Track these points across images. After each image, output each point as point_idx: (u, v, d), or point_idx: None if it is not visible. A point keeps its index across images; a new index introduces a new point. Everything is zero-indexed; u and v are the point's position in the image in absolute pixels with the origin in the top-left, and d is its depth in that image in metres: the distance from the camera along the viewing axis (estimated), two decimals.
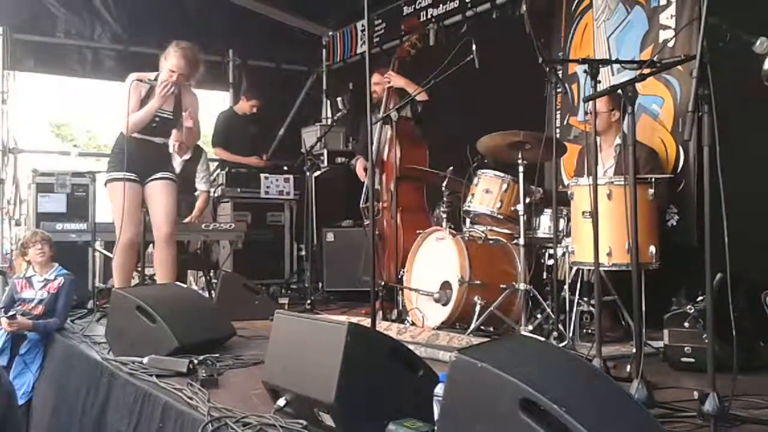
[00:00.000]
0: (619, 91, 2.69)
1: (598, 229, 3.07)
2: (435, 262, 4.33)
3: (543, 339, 3.39)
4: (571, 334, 3.67)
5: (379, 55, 6.80)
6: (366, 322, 3.77)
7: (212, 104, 7.65)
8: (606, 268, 3.51)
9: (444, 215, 4.55)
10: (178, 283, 4.55)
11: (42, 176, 6.12)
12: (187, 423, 2.59)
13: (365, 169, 5.63)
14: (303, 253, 6.86)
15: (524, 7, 4.74)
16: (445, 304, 4.14)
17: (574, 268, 3.85)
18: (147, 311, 3.53)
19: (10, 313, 4.38)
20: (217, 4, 7.68)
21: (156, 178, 4.61)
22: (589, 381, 1.92)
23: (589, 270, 3.71)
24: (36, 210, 6.00)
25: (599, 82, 3.11)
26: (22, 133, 7.25)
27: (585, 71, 3.14)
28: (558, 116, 5.40)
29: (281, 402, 2.41)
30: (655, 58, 3.55)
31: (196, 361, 3.19)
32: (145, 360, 3.27)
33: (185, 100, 4.61)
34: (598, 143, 4.21)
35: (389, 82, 5.28)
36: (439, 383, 2.00)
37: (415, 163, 4.99)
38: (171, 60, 4.48)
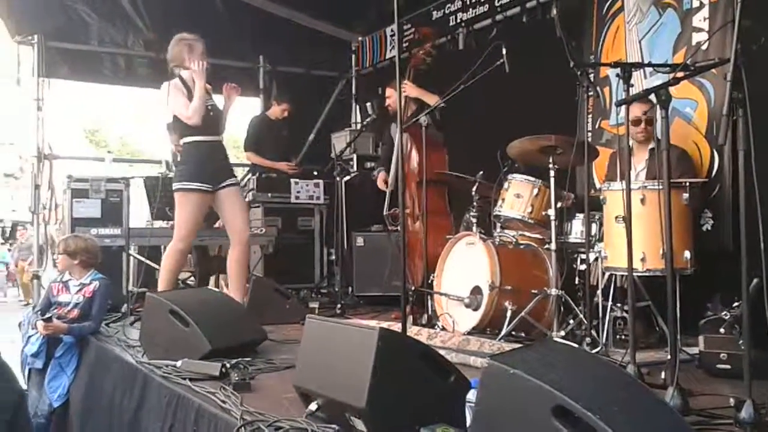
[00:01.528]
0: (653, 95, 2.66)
1: (632, 234, 3.03)
2: (465, 267, 4.32)
3: (576, 345, 3.35)
4: (604, 340, 3.63)
5: (408, 59, 6.81)
6: (396, 326, 3.77)
7: (243, 110, 7.71)
8: (640, 274, 3.47)
9: (474, 220, 4.54)
10: (210, 287, 4.59)
11: (77, 182, 6.21)
12: (220, 426, 2.62)
13: (386, 182, 5.66)
14: (333, 257, 6.89)
15: (555, 11, 4.72)
16: (475, 309, 4.12)
17: (607, 274, 3.81)
18: (180, 315, 3.58)
19: (46, 316, 4.45)
20: (248, 11, 7.74)
21: (228, 185, 4.84)
22: (623, 388, 1.90)
23: (623, 275, 3.68)
24: (71, 215, 6.09)
25: (632, 85, 3.08)
26: (56, 140, 7.37)
27: (618, 75, 3.11)
28: (589, 120, 5.36)
29: (313, 406, 2.42)
30: (688, 61, 3.51)
31: (228, 365, 3.23)
32: (179, 363, 3.31)
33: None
34: (631, 147, 4.16)
35: (404, 91, 5.28)
36: (471, 389, 2.00)
37: (433, 169, 4.99)
38: (200, 47, 4.82)
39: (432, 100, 5.07)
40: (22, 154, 29.64)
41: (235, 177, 4.98)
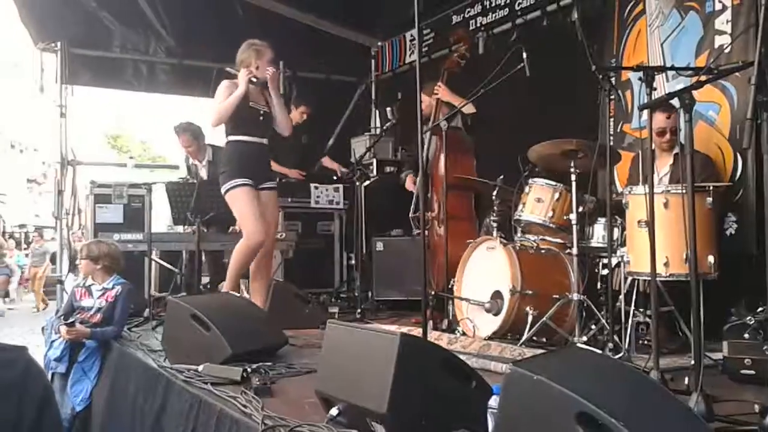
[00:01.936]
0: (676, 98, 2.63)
1: (655, 238, 3.00)
2: (486, 272, 4.30)
3: (599, 351, 3.33)
4: (626, 346, 3.60)
5: (428, 64, 6.81)
6: (416, 331, 3.77)
7: None
8: (663, 278, 3.44)
9: (494, 224, 4.52)
10: (231, 291, 4.60)
11: (100, 187, 6.28)
12: (241, 431, 2.62)
13: (415, 183, 5.64)
14: (353, 262, 6.89)
15: (576, 15, 4.69)
16: (496, 314, 4.10)
17: (630, 278, 3.78)
18: (202, 320, 3.59)
19: (69, 321, 4.50)
20: (268, 17, 7.78)
21: (267, 187, 4.83)
22: (648, 394, 1.88)
23: (645, 280, 3.64)
24: (94, 220, 6.15)
25: (655, 89, 3.06)
26: (78, 145, 7.45)
27: (640, 78, 3.08)
28: (611, 123, 5.33)
29: (334, 411, 2.42)
30: (711, 65, 3.48)
31: (249, 370, 3.24)
32: (200, 368, 3.32)
33: (266, 95, 4.87)
34: (654, 150, 4.13)
35: (437, 95, 5.27)
36: (493, 395, 1.99)
37: (462, 173, 4.97)
38: (269, 54, 4.79)
39: (465, 106, 5.05)
40: (45, 160, 30.05)
41: (274, 181, 4.95)
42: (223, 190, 4.73)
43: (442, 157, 4.85)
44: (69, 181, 6.80)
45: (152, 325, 5.08)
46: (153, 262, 5.87)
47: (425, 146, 5.08)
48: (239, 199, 4.66)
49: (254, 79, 4.70)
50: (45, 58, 7.46)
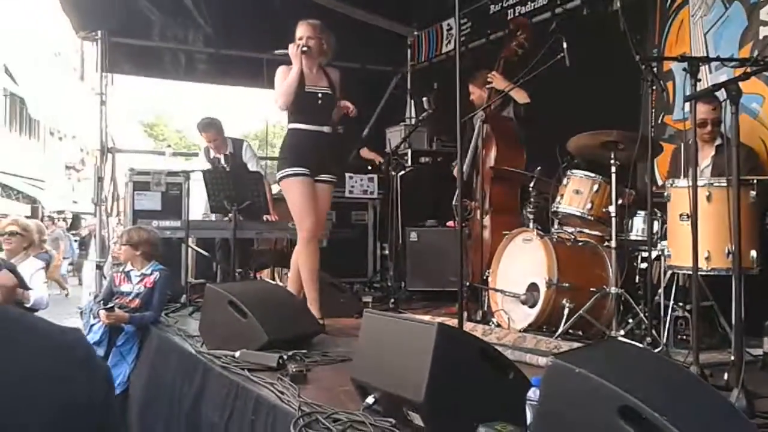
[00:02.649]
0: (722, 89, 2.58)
1: (697, 232, 2.95)
2: (522, 264, 4.27)
3: (640, 345, 3.29)
4: (665, 340, 3.55)
5: (464, 54, 6.76)
6: (450, 322, 3.76)
7: None
8: (704, 273, 3.38)
9: (531, 216, 4.49)
10: (266, 279, 4.64)
11: (138, 175, 6.36)
12: (279, 417, 2.65)
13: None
14: (386, 252, 6.89)
15: (618, 3, 4.62)
16: (532, 306, 4.08)
17: (669, 272, 3.73)
18: (239, 306, 3.63)
19: (109, 306, 4.58)
20: (303, 6, 7.74)
21: (323, 180, 4.62)
22: (690, 389, 1.85)
23: (685, 274, 3.59)
24: (133, 207, 6.24)
25: (699, 80, 3.00)
26: (116, 133, 7.54)
27: (685, 69, 3.02)
28: (652, 115, 5.24)
29: (370, 400, 2.43)
30: (756, 56, 3.40)
31: (285, 357, 3.27)
32: (237, 354, 3.36)
33: (332, 77, 4.66)
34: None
35: (491, 83, 5.18)
36: (532, 387, 1.97)
37: (511, 165, 4.92)
38: (297, 33, 4.59)
39: (519, 94, 4.99)
40: (83, 147, 30.55)
41: (334, 175, 4.71)
42: (277, 177, 4.68)
43: (493, 147, 4.81)
44: (108, 169, 6.89)
45: (189, 310, 5.15)
46: (189, 249, 5.93)
47: (475, 135, 5.04)
48: (290, 189, 4.57)
49: (305, 48, 4.48)
50: (86, 47, 7.57)
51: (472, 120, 5.82)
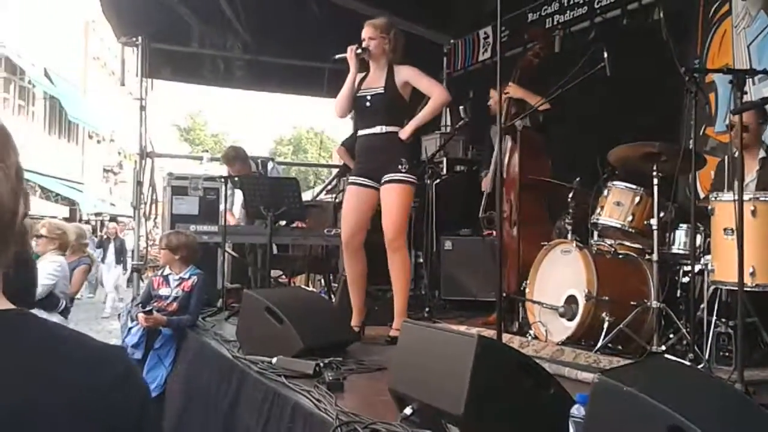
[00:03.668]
0: None
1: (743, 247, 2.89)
2: (560, 276, 4.22)
3: (687, 363, 3.22)
4: (707, 357, 3.48)
5: (502, 62, 6.69)
6: (487, 332, 3.72)
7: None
8: (749, 289, 3.31)
9: (569, 227, 4.44)
10: (302, 286, 4.65)
11: (177, 179, 6.44)
12: (316, 425, 2.65)
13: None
14: (421, 260, 6.87)
15: (661, 14, 4.56)
16: (570, 319, 4.02)
17: (711, 287, 3.65)
18: (275, 313, 3.64)
19: (147, 309, 4.63)
20: (340, 13, 7.81)
21: (385, 181, 4.36)
22: (737, 408, 1.82)
23: (728, 289, 3.52)
24: (171, 211, 6.31)
25: (745, 92, 2.94)
26: (153, 137, 7.64)
27: (730, 82, 2.97)
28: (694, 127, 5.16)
29: (408, 410, 2.41)
30: None
31: (321, 364, 3.27)
32: (274, 360, 3.37)
33: (398, 75, 4.41)
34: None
35: (507, 94, 5.15)
36: (576, 404, 1.95)
37: (536, 174, 4.89)
38: (362, 31, 4.46)
39: (536, 102, 4.96)
40: (121, 150, 31.04)
41: (396, 172, 4.33)
42: None
43: (516, 156, 4.79)
44: (147, 173, 6.98)
45: (225, 315, 5.19)
46: (226, 254, 5.98)
47: (497, 145, 5.01)
48: (344, 198, 4.55)
49: (359, 51, 4.36)
50: (126, 52, 7.69)
51: (489, 131, 5.82)
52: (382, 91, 4.37)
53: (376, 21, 4.46)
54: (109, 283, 13.76)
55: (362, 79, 4.47)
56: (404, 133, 4.36)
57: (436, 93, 4.43)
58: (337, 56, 4.48)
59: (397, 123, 4.38)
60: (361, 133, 4.48)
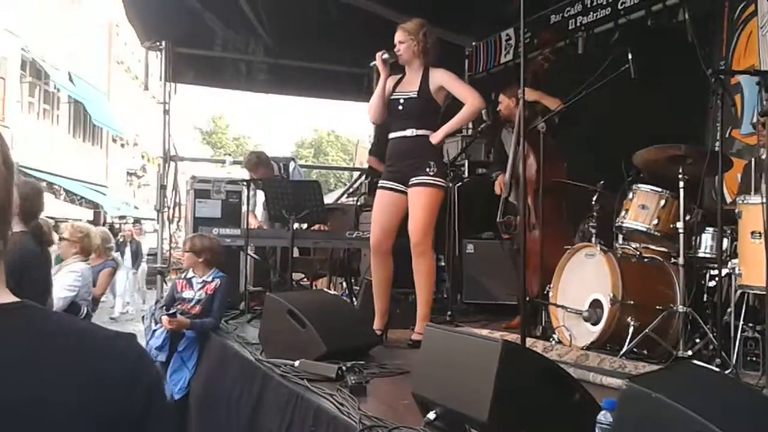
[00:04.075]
0: None
1: None
2: (584, 279, 4.19)
3: (716, 369, 3.18)
4: (734, 362, 3.43)
5: (525, 64, 6.65)
6: (509, 337, 3.71)
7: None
8: None
9: (593, 231, 4.40)
10: (324, 289, 4.66)
11: (200, 183, 6.48)
12: (339, 429, 2.64)
13: (500, 187, 5.52)
14: (442, 263, 6.85)
15: (687, 15, 4.51)
16: (594, 324, 3.99)
17: (739, 291, 3.60)
18: (298, 316, 3.65)
19: (171, 312, 4.66)
20: (361, 17, 7.82)
21: (413, 184, 4.32)
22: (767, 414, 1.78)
23: (756, 294, 3.47)
24: (194, 214, 6.35)
25: None
26: (177, 141, 7.70)
27: (757, 83, 2.93)
28: (718, 128, 5.11)
29: (431, 415, 2.40)
30: None
31: (344, 368, 3.26)
32: (296, 363, 3.37)
33: (433, 79, 4.37)
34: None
35: (519, 97, 5.09)
36: (603, 410, 1.92)
37: (553, 176, 4.85)
38: (402, 26, 4.44)
39: (553, 103, 4.92)
40: (144, 153, 31.32)
41: (425, 175, 4.29)
42: None
43: (532, 160, 4.76)
44: (171, 176, 7.03)
45: (247, 318, 5.21)
46: (248, 257, 6.01)
47: (512, 149, 4.99)
48: (374, 202, 4.54)
49: (386, 56, 4.36)
50: (150, 57, 7.76)
51: (500, 134, 5.79)
52: (415, 95, 4.35)
53: (406, 24, 4.43)
54: (120, 287, 13.80)
55: (398, 81, 4.46)
56: (435, 137, 4.33)
57: (470, 99, 4.39)
58: (371, 63, 4.50)
59: (428, 127, 4.35)
60: (392, 135, 4.45)
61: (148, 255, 17.41)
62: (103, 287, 5.35)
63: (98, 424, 0.88)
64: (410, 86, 4.39)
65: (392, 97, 4.41)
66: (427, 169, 4.29)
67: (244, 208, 6.23)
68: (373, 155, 7.01)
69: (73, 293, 4.65)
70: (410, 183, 4.32)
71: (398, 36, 4.40)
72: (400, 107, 4.38)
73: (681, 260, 3.80)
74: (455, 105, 4.52)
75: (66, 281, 4.66)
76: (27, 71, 20.94)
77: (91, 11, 25.23)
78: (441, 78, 4.38)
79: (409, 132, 4.34)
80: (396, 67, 4.47)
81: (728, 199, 4.42)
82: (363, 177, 7.21)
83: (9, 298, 0.91)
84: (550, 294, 4.38)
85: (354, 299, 5.69)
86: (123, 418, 0.90)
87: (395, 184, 4.39)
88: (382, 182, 4.48)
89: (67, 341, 0.91)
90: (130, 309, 13.71)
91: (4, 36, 18.89)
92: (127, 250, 14.64)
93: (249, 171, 6.41)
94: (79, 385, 0.87)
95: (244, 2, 7.44)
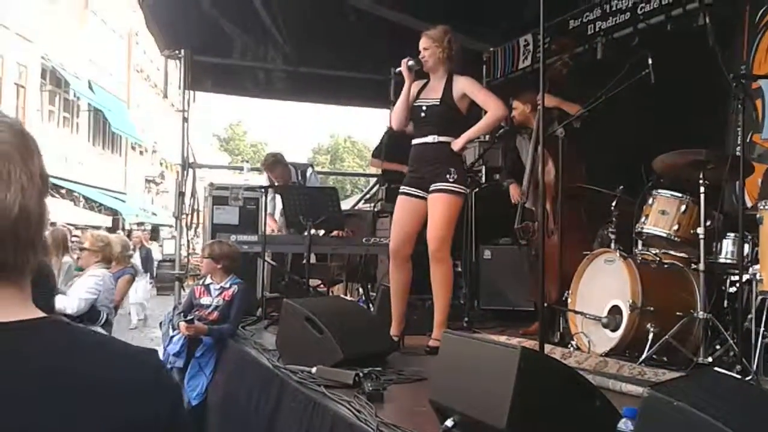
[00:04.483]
0: None
1: None
2: (603, 286, 4.15)
3: (739, 377, 3.13)
4: (755, 368, 3.38)
5: (539, 70, 6.62)
6: (527, 343, 3.68)
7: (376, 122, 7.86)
8: None
9: (612, 236, 4.37)
10: (341, 295, 4.66)
11: (218, 189, 6.51)
12: None
13: (518, 194, 5.49)
14: (459, 269, 6.82)
15: (707, 20, 4.47)
16: (614, 330, 3.95)
17: (760, 297, 3.56)
18: (315, 322, 3.65)
19: (189, 318, 4.68)
20: (379, 24, 7.83)
21: (433, 190, 4.32)
22: None
23: None
24: (212, 221, 6.38)
25: None
26: (195, 148, 7.73)
27: None
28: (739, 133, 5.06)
29: (449, 422, 2.38)
30: None
31: (361, 374, 3.25)
32: (314, 370, 3.37)
33: (456, 87, 4.36)
34: None
35: (538, 105, 5.06)
36: (623, 418, 1.90)
37: (571, 181, 4.82)
38: (427, 33, 4.43)
39: (572, 109, 4.89)
40: (163, 161, 31.57)
41: (443, 181, 4.28)
42: None
43: (551, 165, 4.73)
44: (189, 183, 7.06)
45: (264, 324, 5.21)
46: (266, 263, 6.02)
47: (530, 155, 4.96)
48: (395, 207, 4.53)
49: (411, 63, 4.37)
50: (169, 65, 7.82)
51: (515, 140, 5.76)
52: (438, 103, 4.35)
53: (431, 31, 4.43)
54: (132, 294, 13.83)
55: (422, 87, 4.46)
56: (457, 144, 4.33)
57: (492, 107, 4.37)
58: (397, 70, 4.50)
59: (451, 134, 4.34)
60: (415, 142, 4.45)
61: (163, 261, 17.49)
62: (121, 294, 5.39)
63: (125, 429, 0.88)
64: (434, 93, 4.38)
65: (415, 103, 4.42)
66: (447, 176, 4.28)
67: (261, 214, 6.24)
68: (376, 157, 7.01)
69: (94, 296, 4.69)
70: (430, 189, 4.31)
71: (423, 43, 4.40)
72: (423, 114, 4.38)
73: (702, 266, 3.75)
74: (477, 110, 4.53)
75: (87, 284, 4.70)
76: (47, 80, 21.19)
77: (110, 20, 25.51)
78: (464, 85, 4.38)
79: (431, 138, 4.33)
80: (420, 73, 4.47)
81: (749, 204, 4.37)
82: (378, 185, 7.19)
83: (34, 313, 0.91)
84: (569, 300, 4.35)
85: (371, 305, 5.68)
86: (152, 426, 0.90)
87: (416, 190, 4.39)
88: (403, 188, 4.48)
89: (89, 358, 0.91)
90: (146, 314, 13.75)
91: (24, 45, 19.14)
92: (137, 256, 14.68)
93: (266, 171, 6.45)
94: (100, 402, 0.87)
95: (263, 10, 7.46)
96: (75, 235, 10.12)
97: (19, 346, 0.87)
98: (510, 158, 6.04)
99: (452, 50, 4.41)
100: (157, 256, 18.02)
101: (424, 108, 4.37)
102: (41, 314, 0.91)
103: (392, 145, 7.01)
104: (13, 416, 0.82)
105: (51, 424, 0.84)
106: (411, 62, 4.38)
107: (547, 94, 5.06)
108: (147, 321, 13.39)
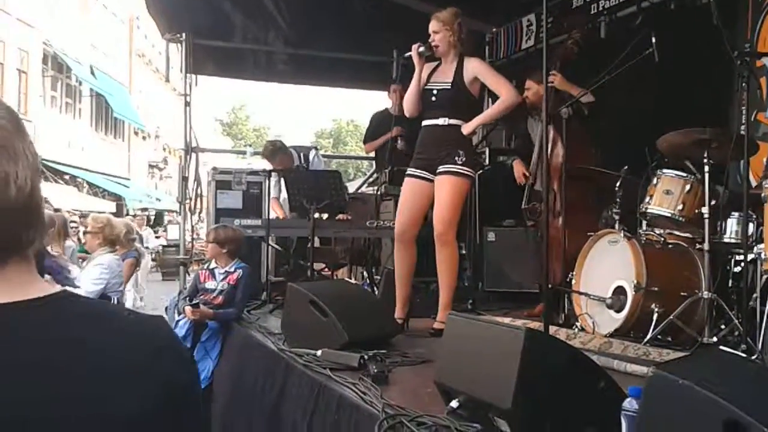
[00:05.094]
0: None
1: None
2: (607, 266, 4.15)
3: (744, 355, 3.14)
4: (760, 347, 3.39)
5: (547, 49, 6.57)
6: (532, 324, 3.68)
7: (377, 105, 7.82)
8: None
9: (616, 217, 4.35)
10: (345, 279, 4.66)
11: (221, 174, 6.51)
12: (362, 418, 2.65)
13: (525, 175, 5.47)
14: (464, 251, 6.82)
15: None
16: (618, 311, 3.95)
17: (765, 277, 3.55)
18: (320, 306, 3.66)
19: (194, 302, 4.69)
20: (383, 5, 7.78)
21: (440, 172, 4.30)
22: None
23: None
24: (215, 205, 6.39)
25: None
26: (197, 132, 7.72)
27: None
28: (743, 112, 5.02)
29: (455, 403, 2.39)
30: None
31: (366, 357, 3.26)
32: (319, 353, 3.38)
33: (467, 70, 4.34)
34: None
35: (552, 83, 5.02)
36: (629, 398, 1.90)
37: (581, 163, 4.80)
38: (435, 16, 4.40)
39: (580, 93, 4.87)
40: (166, 146, 31.55)
41: (451, 163, 4.25)
42: None
43: (559, 146, 4.71)
44: (192, 168, 7.06)
45: (269, 308, 5.22)
46: (270, 247, 6.03)
47: (538, 136, 4.94)
48: (402, 190, 4.52)
49: (421, 49, 4.34)
50: (170, 49, 7.78)
51: (526, 122, 5.73)
52: (449, 87, 4.32)
53: (440, 14, 4.39)
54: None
55: (433, 70, 4.42)
56: (467, 127, 4.31)
57: (504, 93, 4.35)
58: (406, 54, 4.47)
59: (461, 117, 4.32)
60: (424, 123, 4.42)
61: (167, 246, 17.48)
62: (125, 278, 5.40)
63: (148, 395, 0.88)
64: (444, 77, 4.36)
65: (426, 87, 4.39)
66: (456, 158, 4.25)
67: (265, 198, 6.23)
68: (366, 143, 7.01)
69: (100, 286, 4.70)
70: (438, 171, 4.30)
71: (432, 26, 4.36)
72: (434, 98, 4.35)
73: (706, 246, 3.74)
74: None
75: (92, 275, 4.72)
76: (49, 65, 21.15)
77: (111, 5, 25.40)
78: (475, 68, 4.35)
79: (441, 121, 4.31)
80: (430, 56, 4.44)
81: (754, 183, 4.35)
82: (379, 169, 7.17)
83: (44, 290, 0.91)
84: (573, 281, 4.35)
85: (375, 288, 5.69)
86: (171, 385, 0.92)
87: (423, 172, 4.37)
88: (410, 170, 4.46)
89: (97, 327, 0.91)
90: (141, 305, 13.75)
91: (26, 30, 19.08)
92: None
93: (267, 160, 6.42)
94: (119, 360, 0.88)
95: None
96: (73, 221, 10.12)
97: (46, 319, 0.88)
98: (520, 140, 6.00)
99: (462, 33, 4.38)
100: (153, 243, 18.07)
101: (435, 92, 4.35)
102: (50, 291, 0.92)
103: (374, 126, 7.01)
104: (49, 385, 0.84)
105: (89, 391, 0.85)
106: (422, 48, 4.34)
107: (562, 79, 5.04)
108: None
